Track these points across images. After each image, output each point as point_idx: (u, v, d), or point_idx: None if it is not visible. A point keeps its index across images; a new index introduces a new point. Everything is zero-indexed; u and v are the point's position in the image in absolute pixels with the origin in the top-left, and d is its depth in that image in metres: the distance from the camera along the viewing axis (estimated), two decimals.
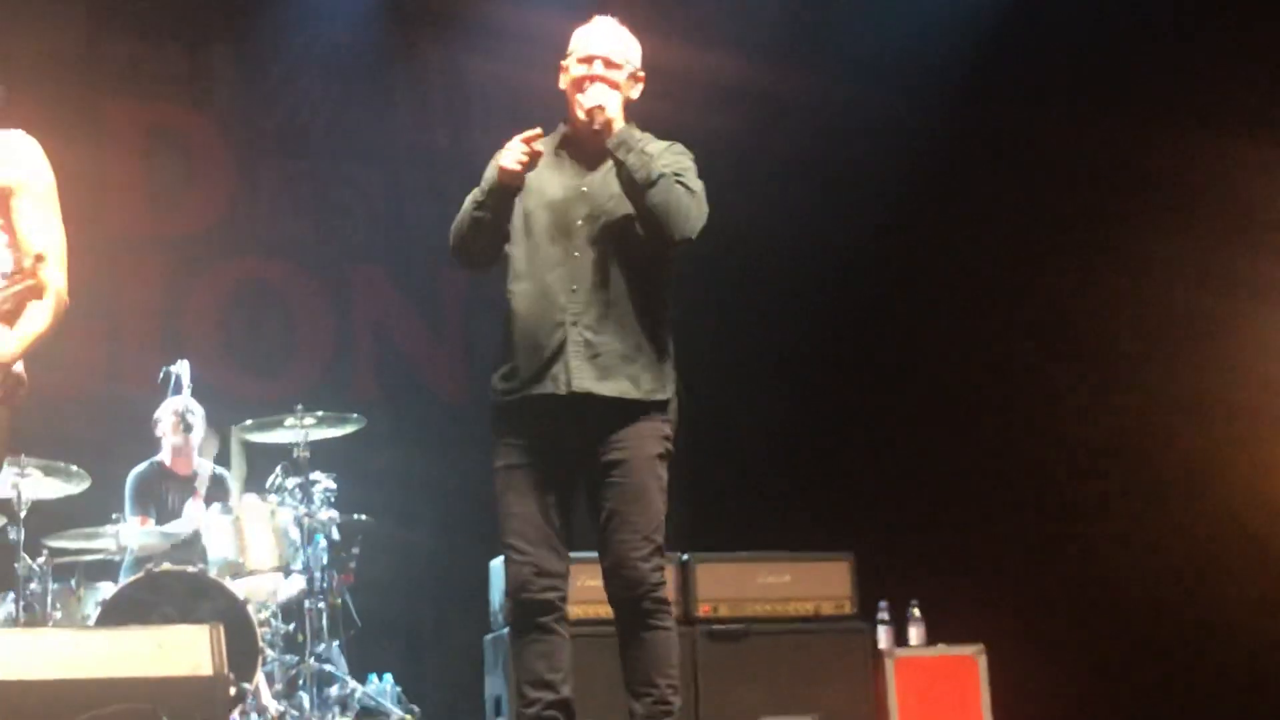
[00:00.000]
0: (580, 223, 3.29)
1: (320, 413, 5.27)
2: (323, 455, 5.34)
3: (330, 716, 5.21)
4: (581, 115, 3.22)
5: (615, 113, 3.31)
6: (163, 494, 5.40)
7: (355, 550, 5.44)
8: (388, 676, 5.56)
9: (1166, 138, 5.24)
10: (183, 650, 3.56)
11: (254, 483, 5.41)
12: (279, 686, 5.18)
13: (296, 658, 5.14)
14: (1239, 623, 5.17)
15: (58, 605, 4.93)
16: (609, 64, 3.39)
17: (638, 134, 3.31)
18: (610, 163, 3.32)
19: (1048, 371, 5.93)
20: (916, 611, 5.39)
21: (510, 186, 3.22)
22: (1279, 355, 5.26)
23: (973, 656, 5.34)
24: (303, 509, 5.14)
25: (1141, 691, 5.29)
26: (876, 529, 5.63)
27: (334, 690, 5.27)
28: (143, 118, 6.40)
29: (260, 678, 4.99)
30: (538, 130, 3.22)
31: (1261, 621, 5.13)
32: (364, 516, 5.45)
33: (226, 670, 3.66)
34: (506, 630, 3.92)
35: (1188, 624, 5.32)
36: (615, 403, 3.27)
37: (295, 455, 5.25)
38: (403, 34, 6.77)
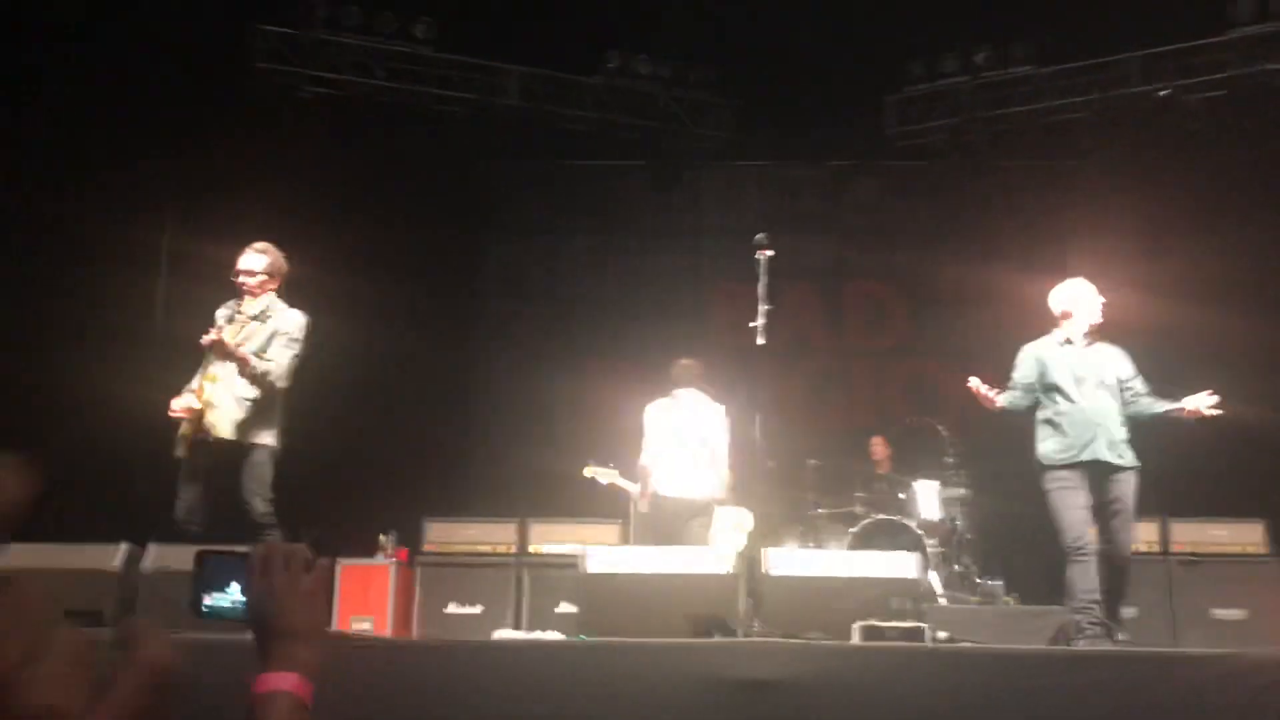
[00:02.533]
0: (1088, 378, 6.18)
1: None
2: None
3: (969, 595, 8.13)
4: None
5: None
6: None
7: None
8: (999, 582, 8.29)
9: None
10: (899, 564, 5.81)
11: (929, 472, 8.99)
12: (943, 578, 8.13)
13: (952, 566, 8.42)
14: None
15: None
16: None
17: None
18: (1094, 345, 6.23)
19: None
20: None
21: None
22: None
23: None
24: (956, 489, 8.85)
25: None
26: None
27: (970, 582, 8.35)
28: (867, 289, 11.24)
29: (932, 574, 7.85)
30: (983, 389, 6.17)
31: None
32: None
33: (920, 575, 5.94)
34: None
35: None
36: (1120, 467, 6.09)
37: (945, 460, 8.96)
38: None
